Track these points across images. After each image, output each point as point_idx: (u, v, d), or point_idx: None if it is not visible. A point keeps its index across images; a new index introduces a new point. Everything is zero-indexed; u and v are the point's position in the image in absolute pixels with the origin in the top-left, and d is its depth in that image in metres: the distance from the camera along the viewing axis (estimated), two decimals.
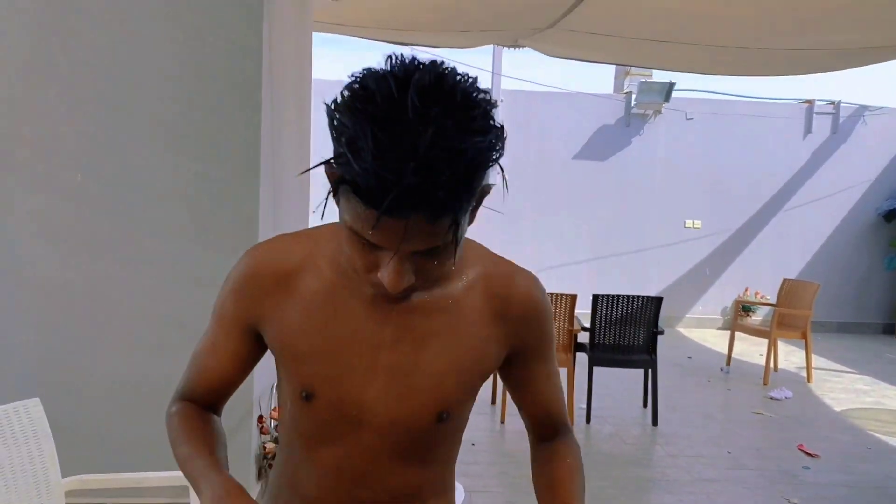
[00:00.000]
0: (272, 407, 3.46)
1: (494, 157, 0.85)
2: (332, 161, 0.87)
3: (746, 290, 9.28)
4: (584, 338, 5.27)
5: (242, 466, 3.06)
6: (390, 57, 0.86)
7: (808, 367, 6.63)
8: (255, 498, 0.98)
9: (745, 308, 8.98)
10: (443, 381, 1.05)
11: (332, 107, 0.86)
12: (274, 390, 3.53)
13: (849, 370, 7.26)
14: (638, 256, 9.31)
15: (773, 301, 7.35)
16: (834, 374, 7.01)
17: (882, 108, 9.41)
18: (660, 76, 8.82)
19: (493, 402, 5.27)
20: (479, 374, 1.09)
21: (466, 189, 0.84)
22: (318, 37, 4.99)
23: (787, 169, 9.37)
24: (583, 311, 5.29)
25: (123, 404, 2.99)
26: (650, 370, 5.18)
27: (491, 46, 7.93)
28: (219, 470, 1.02)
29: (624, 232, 9.27)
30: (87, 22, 2.93)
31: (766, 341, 6.69)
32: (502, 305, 1.07)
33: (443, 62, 0.86)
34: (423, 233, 0.86)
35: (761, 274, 9.18)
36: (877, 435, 5.11)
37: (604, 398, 5.49)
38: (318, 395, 1.04)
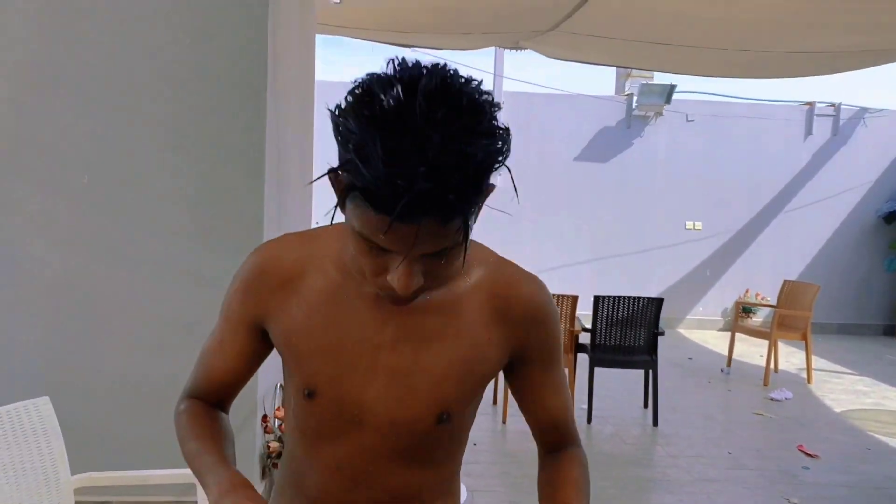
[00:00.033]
0: (276, 406, 3.49)
1: (501, 158, 0.86)
2: (339, 169, 0.86)
3: (747, 291, 9.31)
4: (584, 338, 5.29)
5: (246, 465, 3.08)
6: (392, 61, 0.85)
7: (809, 369, 6.65)
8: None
9: (745, 309, 9.00)
10: (442, 382, 1.04)
11: (337, 112, 0.85)
12: (278, 390, 3.55)
13: (849, 371, 7.27)
14: (639, 258, 9.33)
15: (774, 302, 7.36)
16: (834, 376, 7.03)
17: (882, 110, 9.43)
18: (661, 78, 8.83)
19: (495, 402, 5.29)
20: (480, 376, 1.08)
21: (476, 191, 0.84)
22: (319, 38, 5.02)
23: (787, 171, 9.39)
24: (583, 313, 5.32)
25: (130, 403, 3.02)
26: (651, 371, 5.20)
27: (492, 48, 7.96)
28: (225, 465, 1.03)
29: (625, 233, 9.29)
30: (92, 26, 2.96)
31: (766, 342, 6.71)
32: (504, 307, 1.06)
33: (445, 64, 0.86)
34: (435, 235, 0.86)
35: (762, 275, 9.21)
36: (877, 436, 5.13)
37: (605, 399, 5.52)
38: (319, 393, 1.05)
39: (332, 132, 0.85)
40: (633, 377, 5.72)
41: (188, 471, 1.07)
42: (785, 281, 7.23)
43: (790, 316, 6.66)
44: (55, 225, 3.00)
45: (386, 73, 0.84)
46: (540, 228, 9.14)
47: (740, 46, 4.96)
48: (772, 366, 6.65)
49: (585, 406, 5.12)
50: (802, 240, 9.40)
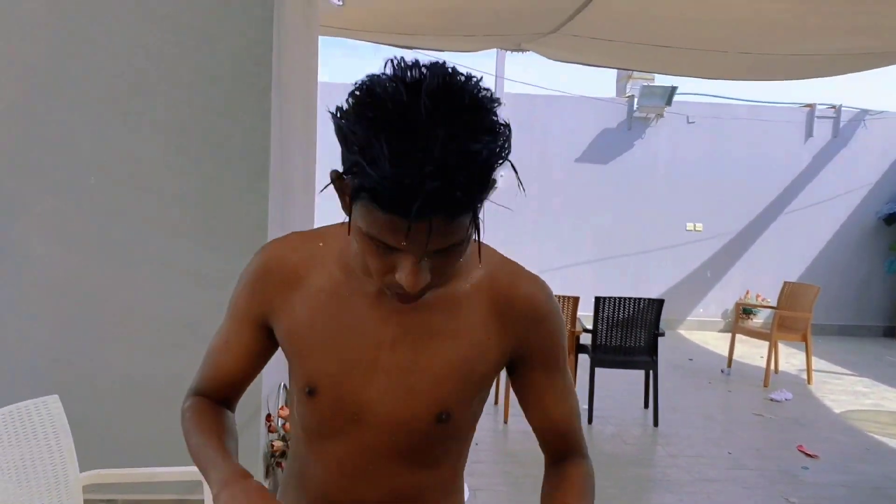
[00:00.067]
0: (279, 406, 3.52)
1: (504, 154, 0.86)
2: (345, 171, 0.86)
3: (747, 292, 9.32)
4: (585, 339, 5.32)
5: (250, 464, 3.10)
6: (391, 61, 0.86)
7: (809, 370, 6.67)
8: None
9: (745, 310, 9.02)
10: (442, 381, 1.04)
11: (339, 115, 0.85)
12: (281, 389, 3.58)
13: (849, 372, 7.29)
14: (639, 259, 9.35)
15: (774, 304, 7.38)
16: (834, 377, 7.04)
17: (883, 112, 9.44)
18: (662, 80, 8.84)
19: (496, 402, 5.31)
20: (481, 376, 1.07)
21: (482, 187, 0.85)
22: (320, 39, 5.04)
23: (787, 172, 9.41)
24: (584, 314, 5.34)
25: (136, 401, 3.05)
26: (651, 371, 5.23)
27: (494, 50, 7.97)
28: (227, 458, 1.04)
29: (625, 234, 9.31)
30: (99, 29, 2.98)
31: (766, 343, 6.74)
32: (504, 306, 1.06)
33: (444, 63, 0.86)
34: (443, 233, 0.86)
35: (762, 277, 9.22)
36: (876, 436, 5.15)
37: (605, 399, 5.54)
38: (320, 390, 1.05)
39: (335, 134, 0.86)
40: (634, 378, 5.74)
41: (195, 468, 1.08)
42: (785, 282, 7.26)
43: (790, 317, 6.68)
44: (62, 226, 3.03)
45: (386, 74, 0.85)
46: (541, 229, 9.16)
47: (742, 49, 4.98)
48: (772, 367, 6.67)
49: (586, 406, 5.14)
50: (803, 241, 9.42)
